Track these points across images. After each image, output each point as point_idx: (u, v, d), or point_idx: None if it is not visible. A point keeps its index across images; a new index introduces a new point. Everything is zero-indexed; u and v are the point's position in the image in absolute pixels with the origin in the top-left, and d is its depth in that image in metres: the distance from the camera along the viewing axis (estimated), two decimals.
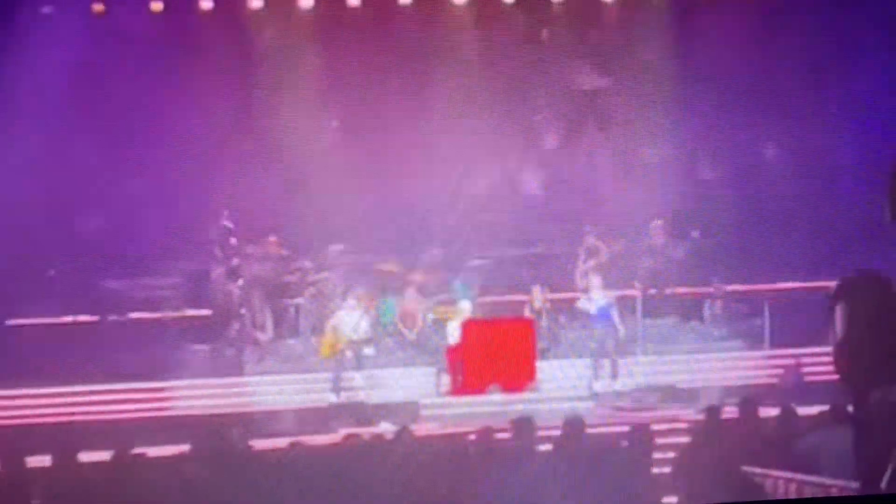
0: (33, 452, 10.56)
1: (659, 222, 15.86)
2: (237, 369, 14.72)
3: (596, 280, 15.14)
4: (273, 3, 15.68)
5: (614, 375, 14.77)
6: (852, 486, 7.22)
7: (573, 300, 15.58)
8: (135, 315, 15.07)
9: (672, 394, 14.60)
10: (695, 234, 16.27)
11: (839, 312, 5.34)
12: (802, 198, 15.89)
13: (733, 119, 16.23)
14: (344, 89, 15.62)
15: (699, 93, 15.82)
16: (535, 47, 15.94)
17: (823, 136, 15.92)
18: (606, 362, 14.88)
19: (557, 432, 10.50)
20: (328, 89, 15.59)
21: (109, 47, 14.78)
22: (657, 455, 10.82)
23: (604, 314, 15.03)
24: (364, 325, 14.44)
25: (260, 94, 15.54)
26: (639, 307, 15.49)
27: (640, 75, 15.98)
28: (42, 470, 10.38)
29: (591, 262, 15.66)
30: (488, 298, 15.49)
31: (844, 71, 15.79)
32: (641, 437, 10.69)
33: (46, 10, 14.96)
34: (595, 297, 15.06)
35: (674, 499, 10.40)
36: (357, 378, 14.44)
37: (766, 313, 15.38)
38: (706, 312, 15.96)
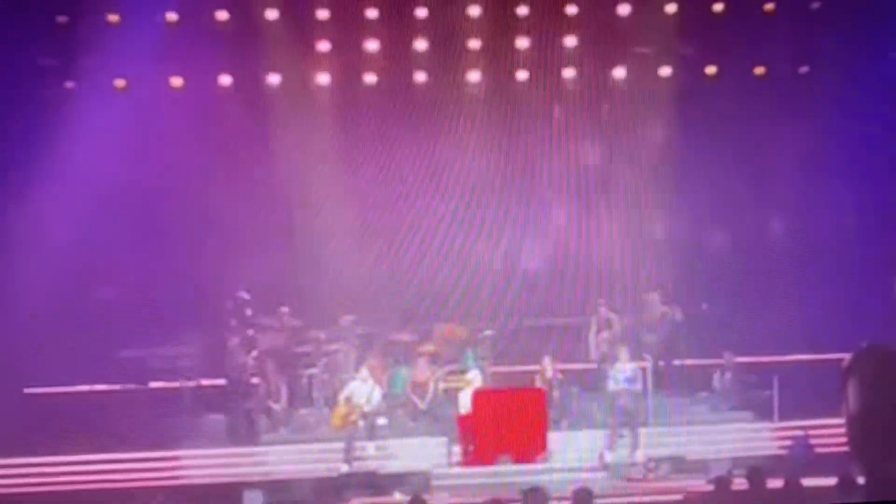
0: None
1: (666, 295, 15.98)
2: (251, 438, 14.69)
3: (623, 352, 14.98)
4: (290, 80, 15.87)
5: (635, 446, 14.57)
6: None
7: (585, 371, 15.59)
8: (152, 384, 15.13)
9: (682, 465, 14.54)
10: (704, 306, 16.34)
11: (852, 385, 5.23)
12: (810, 271, 15.95)
13: (740, 193, 16.36)
14: (359, 164, 15.79)
15: (706, 167, 15.99)
16: (546, 123, 16.15)
17: (831, 212, 16.03)
18: (626, 432, 14.66)
19: (568, 503, 10.52)
20: (343, 164, 15.79)
21: (130, 121, 15.00)
22: None
23: (629, 385, 14.82)
24: (376, 396, 14.40)
25: (276, 168, 15.75)
26: (649, 379, 15.37)
27: (647, 151, 16.21)
28: None
29: (605, 334, 15.71)
30: (500, 369, 15.51)
31: (852, 144, 15.86)
32: None
33: (70, 84, 15.27)
34: (620, 368, 14.87)
35: None
36: (369, 448, 14.30)
37: (776, 385, 15.36)
38: (716, 384, 15.89)
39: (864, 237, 15.72)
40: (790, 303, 15.82)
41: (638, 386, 15.00)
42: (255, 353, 15.01)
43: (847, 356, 5.36)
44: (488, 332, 15.53)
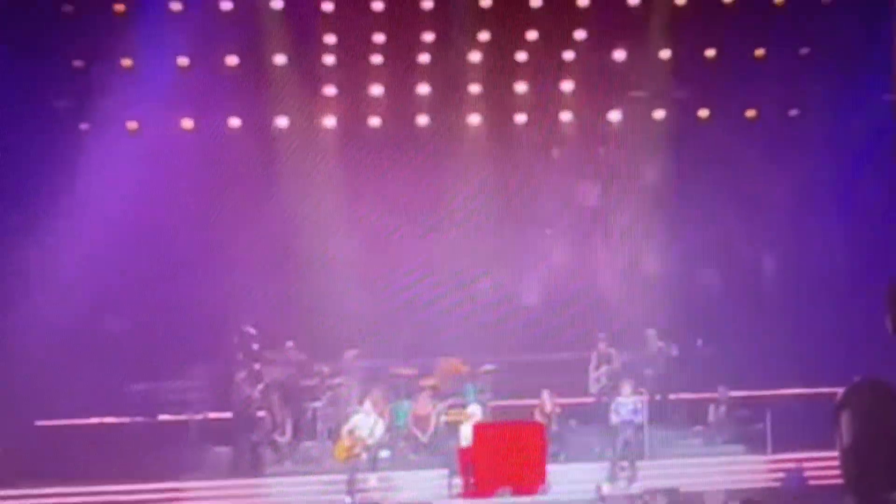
0: None
1: (662, 331, 15.33)
2: (257, 471, 13.93)
3: (626, 385, 14.34)
4: (297, 122, 15.25)
5: (633, 479, 13.84)
6: None
7: (583, 405, 14.91)
8: (160, 417, 14.44)
9: (677, 497, 13.82)
10: (699, 342, 15.71)
11: (846, 418, 4.66)
12: (802, 307, 15.34)
13: (733, 231, 15.75)
14: (363, 202, 15.21)
15: (699, 206, 15.38)
16: (545, 164, 15.61)
17: (823, 248, 15.36)
18: (626, 464, 13.97)
19: None
20: (348, 202, 15.19)
21: (142, 161, 14.41)
22: None
23: (633, 417, 14.21)
24: (379, 429, 13.73)
25: (283, 207, 15.14)
26: (645, 412, 14.82)
27: (643, 190, 15.61)
28: None
29: (604, 368, 15.01)
30: (500, 402, 14.83)
31: (840, 183, 15.30)
32: None
33: (84, 126, 14.69)
34: (623, 402, 14.24)
35: None
36: (372, 480, 13.55)
37: (769, 418, 14.71)
38: (711, 417, 15.24)
39: (854, 273, 15.05)
40: (782, 338, 15.22)
41: (640, 418, 14.29)
42: (260, 386, 14.30)
43: (839, 390, 4.68)
44: (489, 367, 14.81)
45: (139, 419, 14.23)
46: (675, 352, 15.18)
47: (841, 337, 14.64)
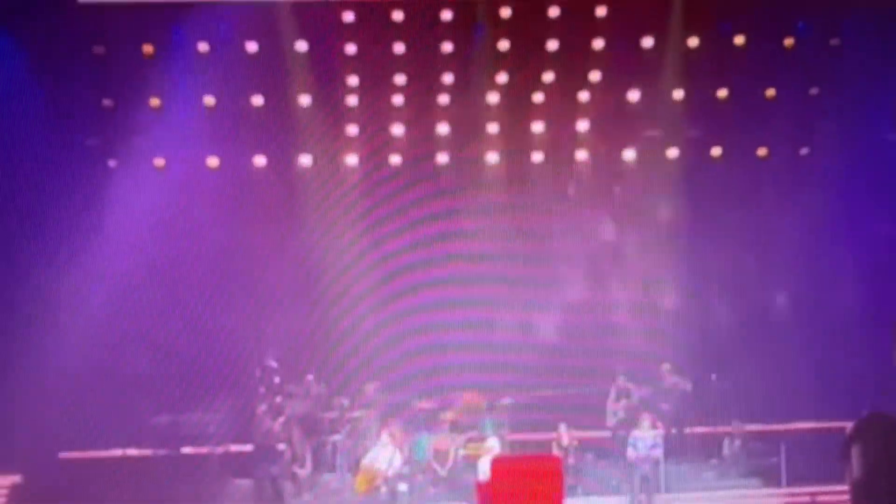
0: None
1: (676, 366, 14.55)
2: (277, 502, 13.13)
3: (645, 419, 13.46)
4: (320, 160, 14.55)
5: None
6: None
7: (600, 438, 14.09)
8: (182, 449, 13.60)
9: None
10: (713, 377, 14.95)
11: (856, 452, 4.90)
12: (814, 342, 14.58)
13: (746, 267, 15.05)
14: (383, 238, 14.49)
15: (713, 243, 14.63)
16: (562, 201, 14.88)
17: (834, 283, 14.57)
18: (643, 498, 13.14)
19: None
20: (368, 238, 14.48)
21: (168, 197, 13.75)
22: None
23: (651, 451, 13.34)
24: (397, 460, 12.94)
25: (305, 242, 14.47)
26: (661, 446, 14.03)
27: (658, 227, 14.89)
28: None
29: (622, 402, 14.18)
30: (518, 436, 14.00)
31: (850, 219, 14.58)
32: None
33: (112, 163, 14.04)
34: (640, 436, 13.38)
35: None
36: None
37: (783, 452, 13.93)
38: (726, 451, 14.43)
39: (865, 308, 14.29)
40: (795, 373, 14.45)
41: (658, 452, 13.36)
42: (281, 419, 13.42)
43: (850, 424, 4.95)
44: (507, 401, 13.97)
45: (162, 451, 13.41)
46: (689, 386, 14.44)
47: (852, 371, 13.97)
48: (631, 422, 13.82)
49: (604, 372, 14.26)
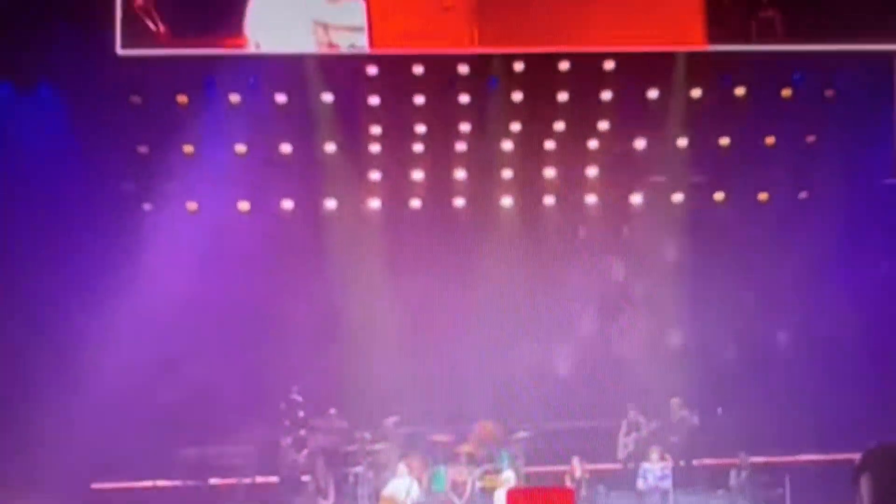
0: None
1: (684, 400, 14.02)
2: None
3: (654, 452, 12.82)
4: (345, 204, 14.14)
5: None
6: None
7: (611, 470, 13.51)
8: (210, 480, 13.04)
9: None
10: (719, 410, 14.39)
11: (865, 482, 4.47)
12: (816, 377, 14.01)
13: (749, 305, 14.56)
14: (404, 277, 14.06)
15: (717, 282, 14.15)
16: (572, 242, 14.52)
17: (835, 321, 13.99)
18: None
19: None
20: (389, 277, 14.06)
21: (200, 240, 13.35)
22: None
23: (660, 483, 12.75)
24: (415, 490, 12.35)
25: (330, 282, 14.03)
26: (670, 477, 13.47)
27: (665, 267, 14.43)
28: None
29: (633, 435, 13.61)
30: (533, 468, 13.41)
31: (847, 263, 14.23)
32: None
33: (147, 207, 13.64)
34: (650, 468, 12.78)
35: None
36: None
37: (787, 483, 13.33)
38: (732, 482, 13.83)
39: (865, 344, 13.78)
40: (798, 407, 13.96)
41: (667, 483, 12.72)
42: (305, 451, 12.84)
43: (855, 455, 4.55)
44: (522, 434, 13.38)
45: (191, 482, 12.85)
46: (697, 420, 13.89)
47: (854, 405, 13.41)
48: (641, 454, 13.27)
49: (615, 405, 13.76)
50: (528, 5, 13.31)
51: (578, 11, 13.12)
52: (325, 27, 13.19)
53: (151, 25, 12.88)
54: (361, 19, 13.20)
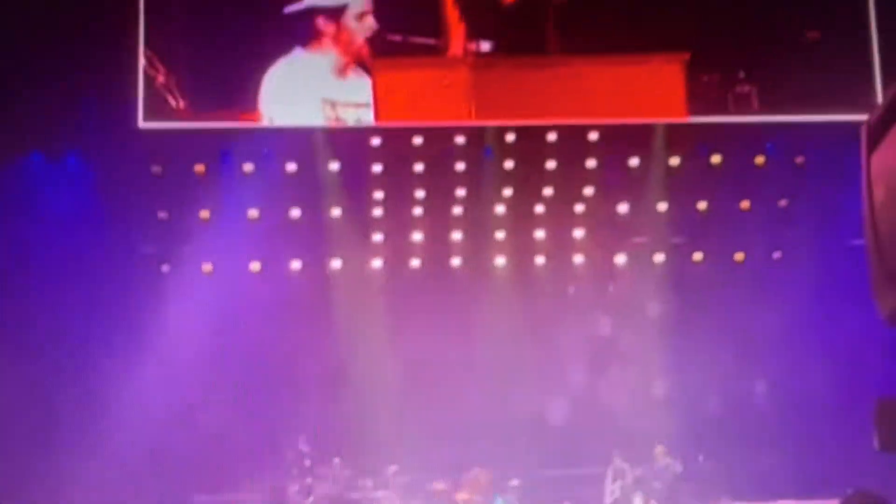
0: None
1: (668, 448, 13.70)
2: None
3: (637, 498, 12.56)
4: (349, 264, 13.95)
5: None
6: None
7: None
8: None
9: None
10: (700, 457, 14.03)
11: None
12: (794, 425, 13.72)
13: (728, 359, 14.22)
14: (404, 332, 13.84)
15: (698, 336, 13.80)
16: (561, 299, 14.30)
17: (811, 374, 13.67)
18: None
19: None
20: (391, 333, 13.85)
21: (215, 299, 13.19)
22: None
23: None
24: None
25: (336, 336, 13.82)
26: None
27: (649, 322, 14.17)
28: None
29: (618, 482, 13.28)
30: None
31: (820, 318, 13.96)
32: None
33: (165, 268, 13.50)
34: None
35: None
36: None
37: None
38: None
39: (841, 396, 13.43)
40: (778, 454, 13.58)
41: None
42: (311, 499, 12.54)
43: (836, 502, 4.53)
44: (515, 482, 13.07)
45: None
46: (678, 467, 13.53)
47: (832, 452, 13.06)
48: (626, 500, 12.92)
49: (603, 453, 13.43)
50: (521, 82, 13.35)
51: (569, 88, 13.17)
52: (333, 104, 13.23)
53: (172, 101, 12.93)
54: (367, 96, 13.26)
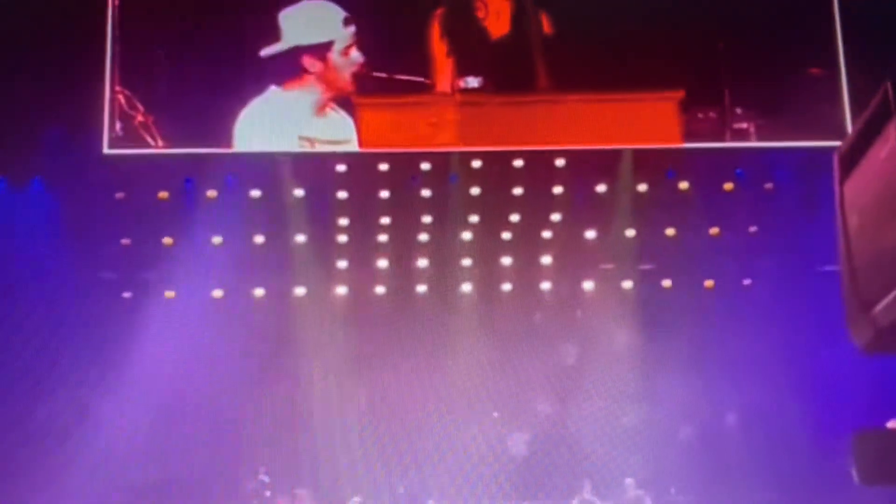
0: None
1: (639, 480, 13.44)
2: None
3: None
4: (314, 291, 13.96)
5: None
6: None
7: None
8: None
9: None
10: (672, 490, 13.78)
11: None
12: (764, 457, 13.54)
13: (697, 387, 14.08)
14: (369, 360, 13.74)
15: (667, 365, 13.75)
16: (528, 327, 14.19)
17: (780, 401, 13.57)
18: None
19: None
20: (355, 360, 13.75)
21: (177, 325, 13.05)
22: None
23: None
24: None
25: (299, 364, 13.74)
26: None
27: (617, 350, 14.06)
28: None
29: None
30: None
31: (791, 345, 13.80)
32: None
33: (127, 294, 13.37)
34: None
35: None
36: None
37: None
38: None
39: (811, 422, 13.24)
40: (749, 485, 13.35)
41: None
42: None
43: None
44: None
45: None
46: (649, 500, 13.29)
47: (805, 482, 12.84)
48: None
49: (570, 485, 13.20)
50: (511, 119, 13.36)
51: (560, 126, 13.18)
52: (311, 141, 13.30)
53: (150, 140, 13.05)
54: (345, 132, 13.28)
